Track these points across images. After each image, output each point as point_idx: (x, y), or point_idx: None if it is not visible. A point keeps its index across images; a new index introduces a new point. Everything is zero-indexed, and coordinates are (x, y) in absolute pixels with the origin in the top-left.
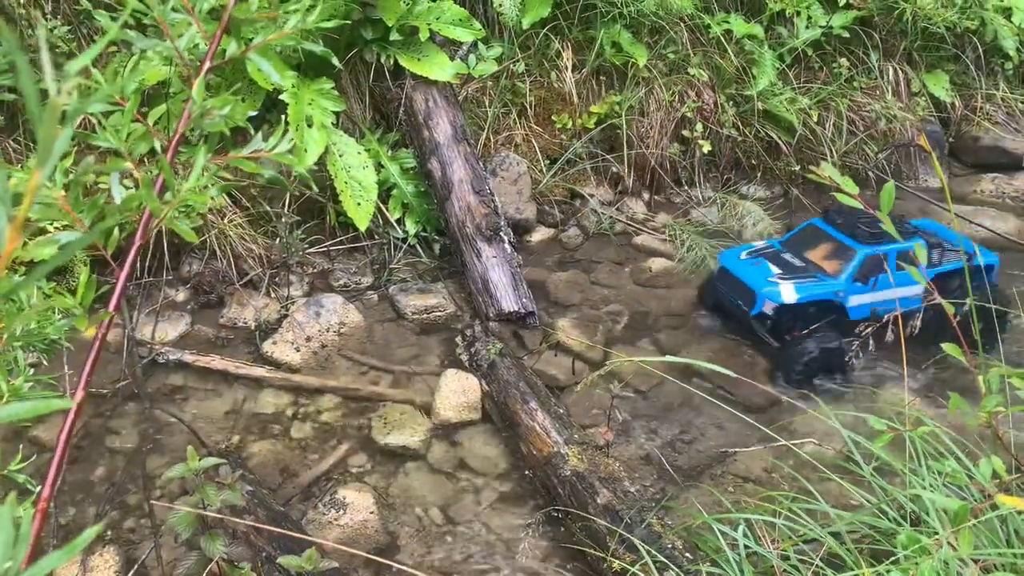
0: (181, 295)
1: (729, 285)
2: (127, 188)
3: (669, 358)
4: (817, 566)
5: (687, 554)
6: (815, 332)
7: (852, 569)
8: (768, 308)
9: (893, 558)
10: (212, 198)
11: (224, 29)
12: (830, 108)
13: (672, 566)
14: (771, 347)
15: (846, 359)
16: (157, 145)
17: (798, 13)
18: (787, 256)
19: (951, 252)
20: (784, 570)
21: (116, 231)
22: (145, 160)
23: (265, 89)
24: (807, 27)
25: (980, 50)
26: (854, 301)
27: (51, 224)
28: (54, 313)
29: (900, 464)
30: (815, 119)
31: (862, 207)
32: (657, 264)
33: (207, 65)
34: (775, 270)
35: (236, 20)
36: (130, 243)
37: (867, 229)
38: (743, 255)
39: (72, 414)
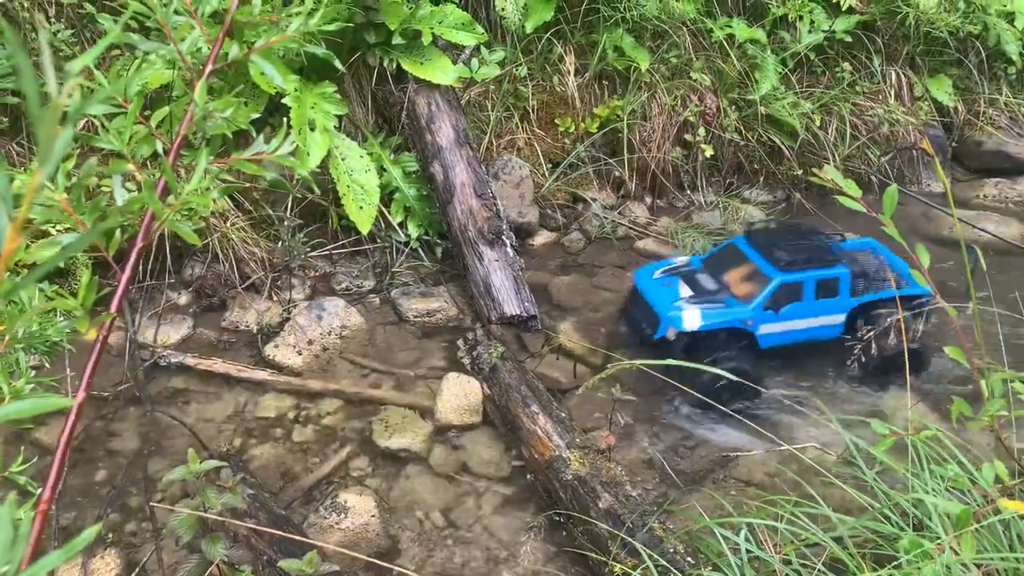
0: (183, 298)
1: (638, 305)
2: (129, 191)
3: (671, 361)
4: (819, 571)
5: (689, 558)
6: (723, 358)
7: (854, 574)
8: (671, 334)
9: (895, 563)
10: (214, 201)
11: (227, 32)
12: (832, 112)
13: (674, 570)
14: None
15: (758, 380)
16: (159, 147)
17: (801, 18)
18: (702, 277)
19: (877, 282)
20: (786, 574)
21: (118, 233)
22: (147, 163)
23: (268, 93)
24: (810, 31)
25: (983, 55)
26: (764, 329)
27: (53, 227)
28: (56, 315)
29: (903, 468)
30: (817, 123)
31: (865, 211)
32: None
33: (209, 68)
34: (684, 292)
35: (239, 23)
36: (132, 245)
37: (786, 255)
38: (658, 273)
39: (73, 415)
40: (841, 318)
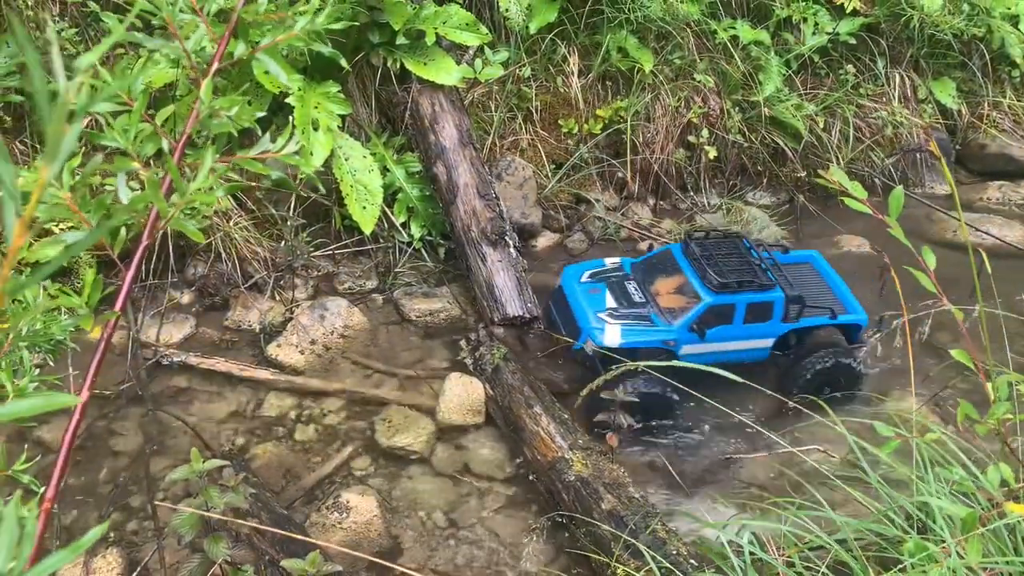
0: (186, 297)
1: (561, 309)
2: (132, 190)
3: (676, 362)
4: (823, 573)
5: (692, 560)
6: (637, 376)
7: None
8: (589, 348)
9: (900, 566)
10: (218, 199)
11: (232, 31)
12: (836, 115)
13: (677, 572)
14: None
15: (671, 404)
16: (165, 145)
17: (805, 19)
18: (631, 285)
19: (812, 308)
20: None
21: (122, 231)
22: (151, 162)
23: (271, 92)
24: (814, 33)
25: (987, 57)
26: (687, 350)
27: (57, 225)
28: (59, 313)
29: (908, 471)
30: (821, 126)
31: (871, 212)
32: None
33: (215, 66)
34: (609, 303)
35: (244, 22)
36: (136, 244)
37: (719, 276)
38: (586, 275)
39: (77, 414)
40: (770, 342)
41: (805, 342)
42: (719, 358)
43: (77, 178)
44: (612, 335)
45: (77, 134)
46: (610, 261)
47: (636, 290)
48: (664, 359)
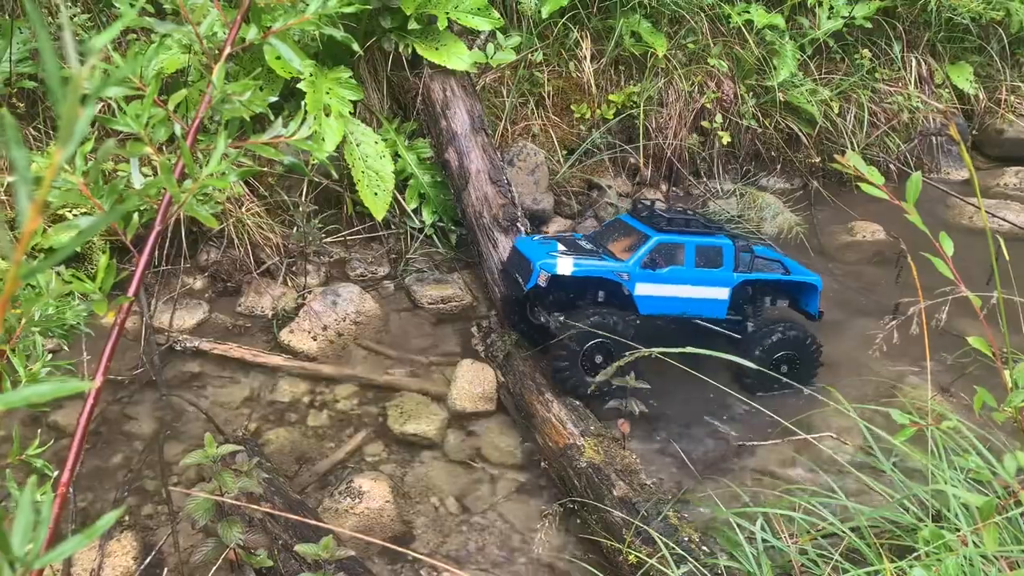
0: (199, 283)
1: (514, 264)
2: (144, 176)
3: (690, 349)
4: (836, 561)
5: (704, 547)
6: (594, 312)
7: (872, 564)
8: (542, 279)
9: (915, 554)
10: (231, 185)
11: (244, 15)
12: (851, 100)
13: (689, 558)
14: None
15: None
16: (178, 130)
17: (820, 3)
18: (583, 242)
19: (767, 262)
20: (802, 564)
21: (135, 217)
22: (163, 148)
23: (283, 78)
24: (829, 17)
25: (1005, 41)
26: (642, 290)
27: (69, 211)
28: (73, 299)
29: (923, 458)
30: (836, 111)
31: (888, 198)
32: None
33: (227, 50)
34: (561, 248)
35: (256, 6)
36: (150, 229)
37: (667, 220)
38: (538, 237)
39: (91, 398)
40: (724, 293)
41: (760, 310)
42: (675, 306)
43: (90, 163)
44: (564, 265)
45: (90, 118)
46: (562, 233)
47: (588, 244)
48: (629, 316)
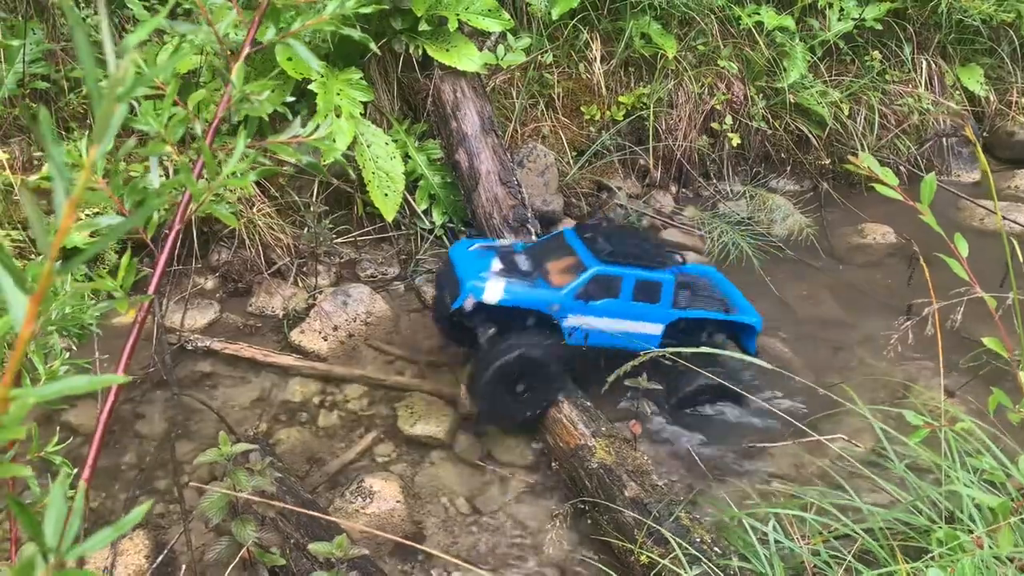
0: (210, 283)
1: (446, 277)
2: (160, 176)
3: (704, 349)
4: (849, 562)
5: (716, 548)
6: (520, 336)
7: (885, 566)
8: (468, 304)
9: (929, 555)
10: (247, 184)
11: (262, 15)
12: (861, 102)
13: (703, 559)
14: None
15: (555, 380)
16: (198, 129)
17: (830, 5)
18: (521, 258)
19: (707, 299)
20: (815, 566)
21: (155, 215)
22: (179, 148)
23: (294, 79)
24: (839, 19)
25: (1016, 43)
26: (572, 321)
27: (83, 211)
28: (89, 298)
29: (938, 459)
30: (846, 113)
31: (902, 199)
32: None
33: (246, 50)
34: (496, 267)
35: (274, 6)
36: (168, 228)
37: (610, 247)
38: (475, 247)
39: (112, 395)
40: (658, 328)
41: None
42: (605, 339)
43: (111, 164)
44: (494, 290)
45: (123, 116)
46: (502, 241)
47: (526, 262)
48: (549, 333)
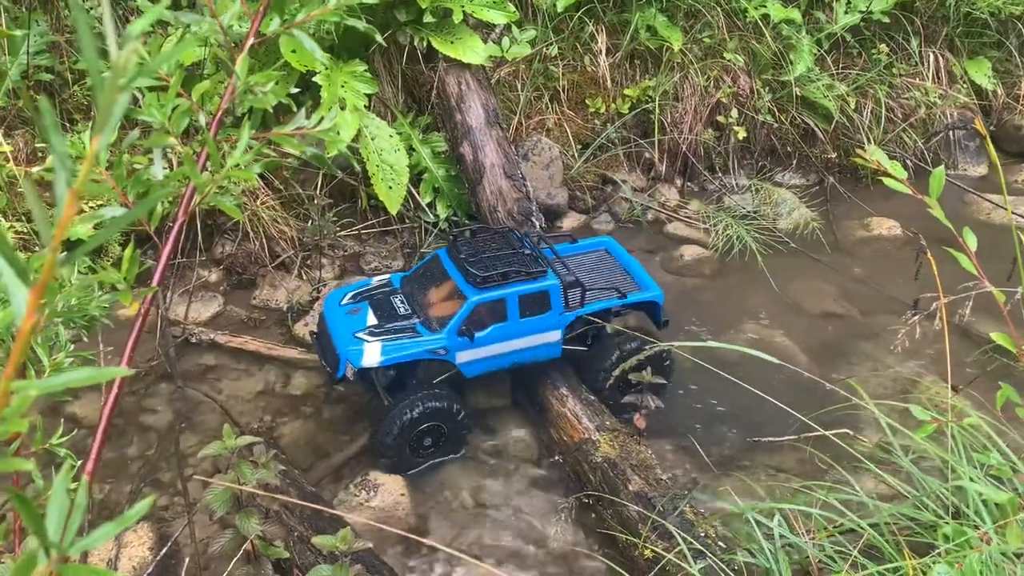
0: (214, 276)
1: (322, 338)
2: (163, 168)
3: (712, 343)
4: (855, 557)
5: (720, 543)
6: (421, 390)
7: (891, 561)
8: (350, 372)
9: (936, 551)
10: (252, 176)
11: (267, 6)
12: (868, 95)
13: (708, 553)
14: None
15: (462, 426)
16: (203, 120)
17: None
18: (398, 299)
19: (601, 289)
20: (820, 560)
21: (159, 207)
22: (180, 140)
23: (298, 71)
24: (846, 12)
25: None
26: (464, 357)
27: (87, 203)
28: (94, 290)
29: (945, 455)
30: (853, 106)
31: (910, 192)
32: (689, 252)
33: (250, 41)
34: (371, 320)
35: None
36: (172, 220)
37: (483, 270)
38: (347, 297)
39: (116, 387)
40: (556, 335)
41: (601, 336)
42: (505, 361)
43: (114, 155)
44: (371, 353)
45: (126, 105)
46: (377, 279)
47: (403, 303)
48: (440, 370)
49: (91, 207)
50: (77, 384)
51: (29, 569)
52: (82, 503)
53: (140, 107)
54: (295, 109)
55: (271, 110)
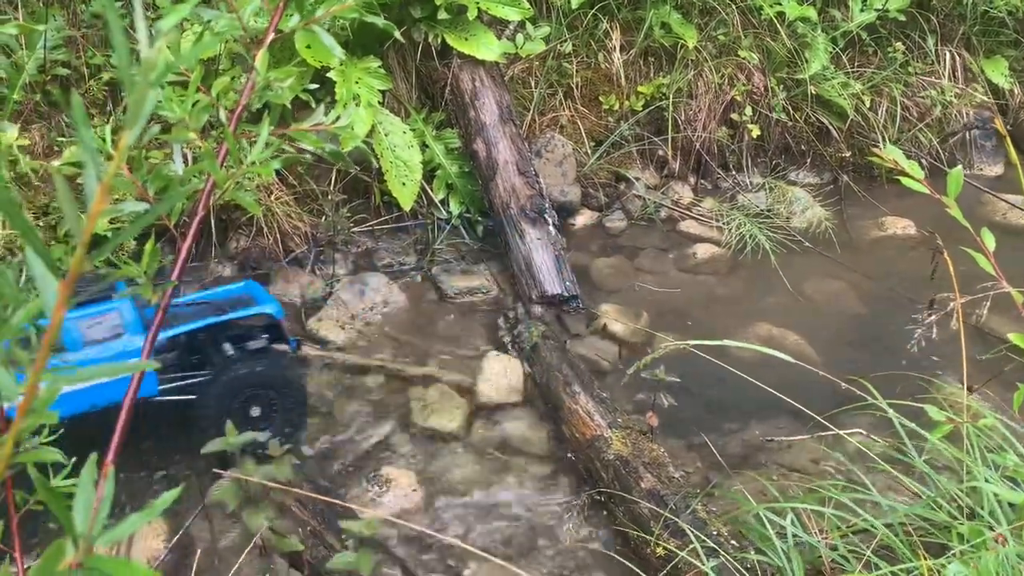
0: (227, 271)
1: None
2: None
3: (727, 342)
4: (868, 557)
5: (733, 541)
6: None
7: (905, 561)
8: None
9: (950, 552)
10: (270, 172)
11: (286, 1)
12: (883, 94)
13: (721, 551)
14: None
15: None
16: (223, 116)
17: None
18: None
19: (201, 306)
20: (833, 560)
21: (179, 202)
22: (199, 135)
23: (313, 67)
24: (862, 10)
25: None
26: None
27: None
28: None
29: (960, 456)
30: (868, 105)
31: (928, 191)
32: (702, 250)
33: (270, 37)
34: None
35: None
36: (192, 214)
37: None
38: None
39: (137, 377)
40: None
41: (208, 360)
42: (75, 405)
43: (135, 151)
44: None
45: (156, 101)
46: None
47: None
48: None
49: (110, 202)
50: (103, 376)
51: (57, 561)
52: (109, 493)
53: (161, 103)
54: (313, 106)
55: (288, 106)
